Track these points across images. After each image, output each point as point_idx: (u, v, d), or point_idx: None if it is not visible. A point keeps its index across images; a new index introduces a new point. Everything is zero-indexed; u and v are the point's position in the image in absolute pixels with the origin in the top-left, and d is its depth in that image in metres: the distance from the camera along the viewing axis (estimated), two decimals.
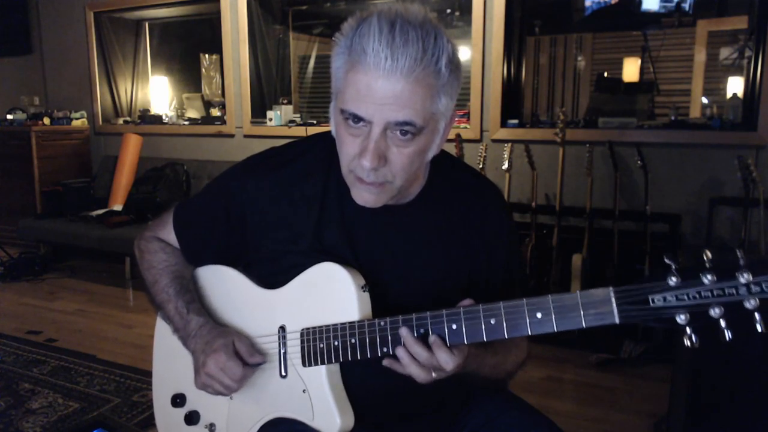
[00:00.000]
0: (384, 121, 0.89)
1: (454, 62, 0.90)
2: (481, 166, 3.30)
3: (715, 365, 1.62)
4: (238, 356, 1.05)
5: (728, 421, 1.69)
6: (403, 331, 0.93)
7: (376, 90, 0.87)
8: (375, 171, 0.92)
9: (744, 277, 0.76)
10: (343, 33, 0.92)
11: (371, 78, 0.87)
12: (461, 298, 1.08)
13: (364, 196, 0.98)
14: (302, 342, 1.03)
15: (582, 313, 0.84)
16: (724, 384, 1.66)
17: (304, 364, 1.03)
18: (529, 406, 1.13)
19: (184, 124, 5.04)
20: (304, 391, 1.03)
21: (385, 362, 0.96)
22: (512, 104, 3.80)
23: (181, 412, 1.20)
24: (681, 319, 0.79)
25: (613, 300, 0.83)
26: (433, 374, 0.93)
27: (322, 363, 1.01)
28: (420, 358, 0.92)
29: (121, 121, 5.36)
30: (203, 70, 5.76)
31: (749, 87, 3.22)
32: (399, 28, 0.86)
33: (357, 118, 0.90)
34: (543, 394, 2.59)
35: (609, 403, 2.54)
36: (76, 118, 5.32)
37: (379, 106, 0.88)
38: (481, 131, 3.74)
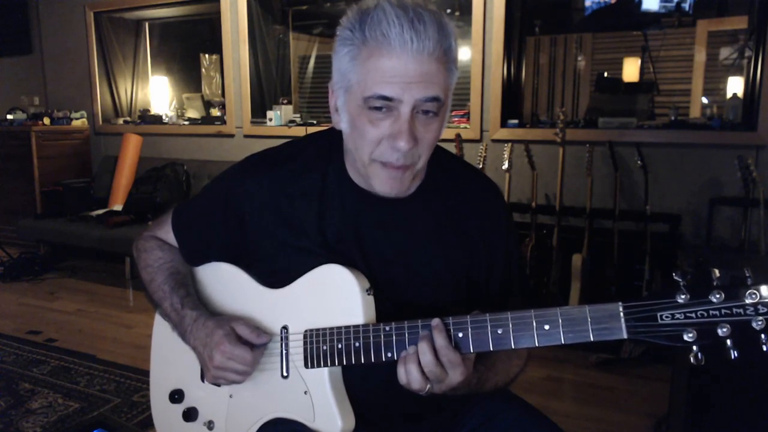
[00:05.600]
0: (413, 99, 0.91)
1: (455, 36, 0.94)
2: (481, 166, 3.30)
3: (714, 365, 1.62)
4: (242, 341, 1.04)
5: (728, 421, 1.69)
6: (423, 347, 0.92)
7: (404, 71, 0.90)
8: (406, 153, 0.94)
9: (752, 297, 0.77)
10: (347, 26, 0.94)
11: (397, 61, 0.90)
12: (461, 296, 1.08)
13: (390, 184, 0.98)
14: (305, 343, 1.02)
15: (590, 327, 0.85)
16: (724, 384, 1.66)
17: (306, 366, 1.02)
18: (529, 406, 1.13)
19: (184, 124, 5.04)
20: (305, 392, 1.03)
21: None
22: (512, 104, 3.80)
23: (179, 408, 1.19)
24: (688, 336, 0.80)
25: (622, 316, 0.83)
26: (428, 387, 0.92)
27: (325, 365, 1.00)
28: (428, 366, 0.91)
29: (121, 121, 5.36)
30: (203, 70, 5.76)
31: (749, 87, 3.22)
32: (413, 11, 0.89)
33: (385, 100, 0.91)
34: (543, 394, 2.59)
35: (609, 403, 2.54)
36: (76, 118, 5.32)
37: (408, 84, 0.90)
38: (481, 131, 3.74)
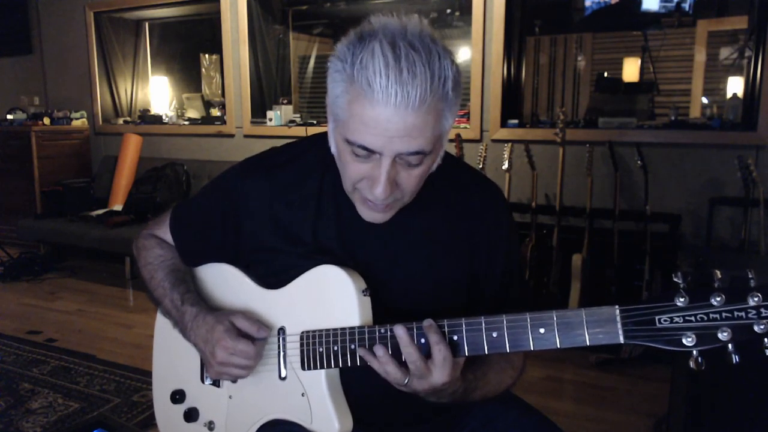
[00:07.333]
0: (394, 153, 0.88)
1: (456, 80, 0.88)
2: (481, 166, 3.30)
3: (714, 365, 1.62)
4: (242, 335, 1.04)
5: (728, 421, 1.69)
6: (399, 331, 0.92)
7: (386, 124, 0.85)
8: (385, 198, 0.92)
9: (754, 300, 0.75)
10: (339, 57, 0.88)
11: (379, 112, 0.84)
12: (460, 300, 1.07)
13: (372, 216, 0.98)
14: (302, 345, 1.02)
15: (586, 331, 0.83)
16: (724, 384, 1.66)
17: (303, 368, 1.02)
18: (529, 406, 1.13)
19: (184, 124, 5.04)
20: (302, 394, 1.02)
21: (361, 351, 0.95)
22: (512, 104, 3.80)
23: (181, 408, 1.20)
24: (687, 341, 0.78)
25: (619, 320, 0.81)
26: (406, 381, 0.92)
27: (321, 367, 1.00)
28: (411, 357, 0.91)
29: (121, 121, 5.36)
30: (203, 70, 5.76)
31: (749, 87, 3.22)
32: (404, 56, 0.82)
33: (365, 149, 0.88)
34: (543, 394, 2.59)
35: (609, 403, 2.53)
36: (76, 118, 5.32)
37: (389, 138, 0.86)
38: (481, 131, 3.74)
